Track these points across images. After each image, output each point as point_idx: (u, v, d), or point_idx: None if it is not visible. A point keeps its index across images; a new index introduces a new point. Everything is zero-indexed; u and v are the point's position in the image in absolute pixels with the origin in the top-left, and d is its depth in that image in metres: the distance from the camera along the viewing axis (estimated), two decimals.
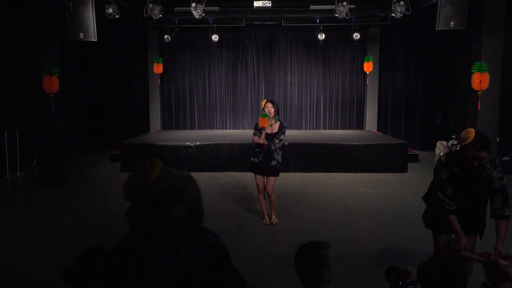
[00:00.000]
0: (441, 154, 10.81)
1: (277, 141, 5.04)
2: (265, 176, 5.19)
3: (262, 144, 5.03)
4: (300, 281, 1.89)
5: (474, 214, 2.98)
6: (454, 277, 1.63)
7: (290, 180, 7.69)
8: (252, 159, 5.16)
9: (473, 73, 6.83)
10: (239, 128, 11.67)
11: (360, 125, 11.71)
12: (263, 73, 11.68)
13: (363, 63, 11.29)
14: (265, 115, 4.97)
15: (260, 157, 5.08)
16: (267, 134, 5.02)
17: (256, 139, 5.06)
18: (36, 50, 6.96)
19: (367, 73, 11.22)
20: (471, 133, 2.69)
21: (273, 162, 5.08)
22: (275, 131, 5.06)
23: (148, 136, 10.16)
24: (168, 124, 11.95)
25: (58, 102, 7.16)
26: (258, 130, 5.07)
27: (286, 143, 5.26)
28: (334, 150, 8.53)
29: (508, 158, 8.37)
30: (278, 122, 5.14)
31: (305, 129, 11.70)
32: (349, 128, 11.73)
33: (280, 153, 5.14)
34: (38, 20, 6.92)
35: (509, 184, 2.89)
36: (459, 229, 2.86)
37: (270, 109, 5.04)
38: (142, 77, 11.82)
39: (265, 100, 5.18)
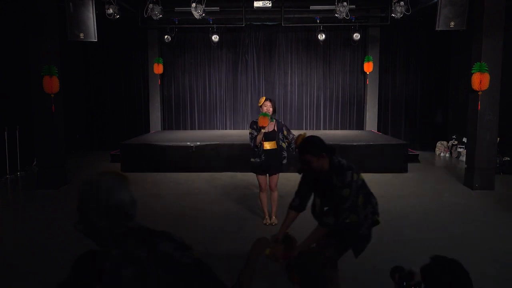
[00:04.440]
0: (441, 154, 10.82)
1: (287, 141, 5.14)
2: (267, 174, 5.20)
3: (261, 143, 5.05)
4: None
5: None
6: (459, 277, 1.63)
7: (290, 180, 7.67)
8: (252, 159, 5.16)
9: (473, 73, 6.82)
10: (239, 128, 11.67)
11: (360, 125, 11.71)
12: (263, 73, 11.68)
13: (363, 64, 11.29)
14: (265, 114, 4.97)
15: (262, 157, 5.07)
16: (264, 133, 5.03)
17: (259, 137, 5.04)
18: (37, 50, 6.96)
19: (367, 73, 11.22)
20: (299, 138, 2.81)
21: (284, 161, 5.14)
22: (271, 130, 5.08)
23: (148, 137, 10.16)
24: (168, 124, 11.95)
25: (58, 102, 7.16)
26: (255, 129, 5.07)
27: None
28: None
29: (508, 159, 8.37)
30: (274, 120, 5.16)
31: (305, 129, 11.69)
32: (349, 128, 11.73)
33: (284, 152, 5.17)
34: (38, 20, 6.92)
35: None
36: (283, 225, 3.00)
37: (268, 108, 5.04)
38: (142, 77, 11.82)
39: (264, 98, 5.16)
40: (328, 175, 2.77)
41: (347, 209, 2.73)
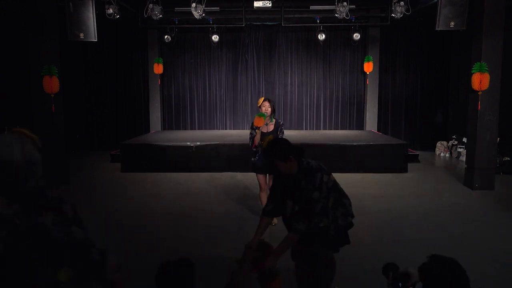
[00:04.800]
0: (441, 154, 10.82)
1: None
2: (267, 175, 5.21)
3: (260, 144, 5.05)
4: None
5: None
6: (459, 276, 1.63)
7: None
8: (252, 159, 5.18)
9: (473, 73, 6.82)
10: (239, 128, 11.67)
11: (360, 125, 11.71)
12: (263, 73, 11.68)
13: (363, 64, 11.29)
14: (261, 115, 4.98)
15: (260, 156, 5.08)
16: (262, 133, 5.04)
17: (257, 137, 5.05)
18: (37, 50, 6.96)
19: (367, 73, 11.22)
20: (265, 142, 2.75)
21: None
22: (271, 130, 5.09)
23: (148, 137, 10.16)
24: (168, 124, 11.95)
25: (58, 102, 7.16)
26: (254, 129, 5.08)
27: None
28: (334, 150, 8.52)
29: (508, 159, 8.37)
30: (274, 120, 5.16)
31: (305, 129, 11.70)
32: (349, 128, 11.73)
33: None
34: (38, 20, 6.92)
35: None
36: (257, 232, 2.81)
37: (267, 108, 5.05)
38: (142, 77, 11.82)
39: (262, 98, 5.18)
40: (297, 178, 2.69)
41: (319, 213, 2.64)
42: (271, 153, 2.68)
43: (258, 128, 5.01)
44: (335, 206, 2.77)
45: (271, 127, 5.11)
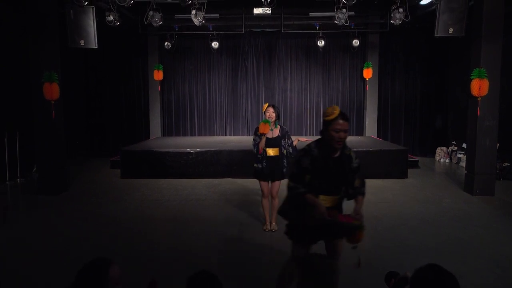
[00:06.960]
0: (441, 160, 10.82)
1: (290, 149, 5.14)
2: (269, 181, 5.20)
3: (264, 150, 5.07)
4: None
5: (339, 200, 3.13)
6: (447, 281, 1.64)
7: None
8: (255, 165, 5.17)
9: (472, 79, 6.84)
10: (239, 135, 11.68)
11: (360, 131, 11.73)
12: (263, 79, 11.72)
13: (362, 70, 11.33)
14: (266, 121, 4.99)
15: (264, 163, 5.08)
16: (267, 139, 5.05)
17: (262, 144, 5.06)
18: (37, 56, 6.98)
19: (367, 79, 11.25)
20: (336, 108, 2.97)
21: (284, 170, 5.15)
22: (275, 136, 5.09)
23: (148, 143, 10.16)
24: (168, 130, 11.97)
25: (58, 108, 7.17)
26: (258, 135, 5.10)
27: None
28: None
29: (508, 164, 8.36)
30: (279, 126, 5.18)
31: (305, 135, 11.70)
32: (349, 134, 11.67)
33: (285, 160, 5.18)
34: (39, 27, 6.95)
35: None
36: (315, 200, 2.88)
37: (271, 114, 5.07)
38: (142, 84, 11.86)
39: (267, 104, 5.20)
40: (346, 152, 3.08)
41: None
42: (347, 117, 3.01)
43: (263, 134, 5.02)
44: None
45: (276, 133, 5.12)
